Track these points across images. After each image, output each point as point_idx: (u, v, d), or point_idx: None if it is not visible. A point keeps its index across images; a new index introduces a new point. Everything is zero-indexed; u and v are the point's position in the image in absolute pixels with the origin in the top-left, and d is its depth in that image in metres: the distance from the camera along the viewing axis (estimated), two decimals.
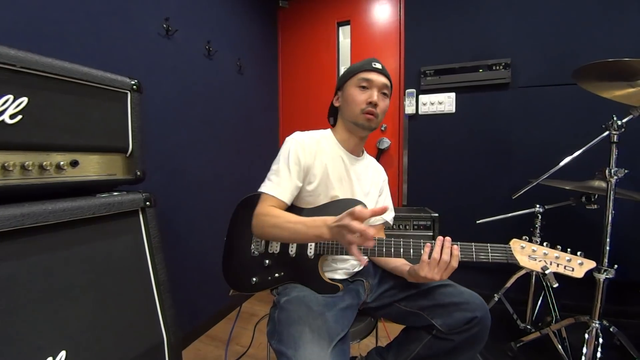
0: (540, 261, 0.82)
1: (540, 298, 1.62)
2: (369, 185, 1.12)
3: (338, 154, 1.06)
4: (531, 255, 0.83)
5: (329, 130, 1.12)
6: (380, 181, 1.17)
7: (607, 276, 1.18)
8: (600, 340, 1.19)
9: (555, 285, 0.83)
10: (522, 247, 0.83)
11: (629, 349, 1.24)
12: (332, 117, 1.17)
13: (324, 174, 1.01)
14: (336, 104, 1.10)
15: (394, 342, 1.02)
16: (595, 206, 1.38)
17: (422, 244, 0.86)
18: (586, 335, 1.20)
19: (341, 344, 0.76)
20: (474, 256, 0.84)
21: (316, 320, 0.78)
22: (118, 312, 0.80)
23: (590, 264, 0.81)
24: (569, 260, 0.82)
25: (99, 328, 0.75)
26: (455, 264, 0.82)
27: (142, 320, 0.86)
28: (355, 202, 0.99)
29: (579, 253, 0.82)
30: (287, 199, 0.97)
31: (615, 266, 1.18)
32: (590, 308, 1.22)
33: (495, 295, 1.63)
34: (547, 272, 0.81)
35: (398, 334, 1.03)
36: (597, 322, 1.20)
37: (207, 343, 1.68)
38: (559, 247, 0.84)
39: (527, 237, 0.85)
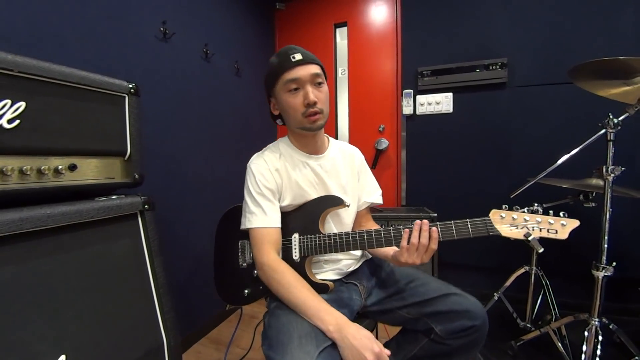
0: (522, 228, 0.80)
1: (540, 296, 1.62)
2: (344, 176, 1.05)
3: (301, 161, 1.01)
4: (512, 223, 0.80)
5: (286, 138, 1.05)
6: (355, 166, 1.10)
7: (606, 274, 1.18)
8: (600, 337, 1.19)
9: (541, 250, 0.79)
10: (502, 217, 0.81)
11: (628, 346, 1.24)
12: (279, 119, 1.05)
13: (296, 186, 0.99)
14: (275, 112, 1.02)
15: (392, 341, 1.02)
16: (593, 204, 1.38)
17: (401, 229, 0.86)
18: (586, 333, 1.20)
19: (330, 349, 0.74)
20: (455, 234, 0.83)
21: (304, 325, 0.77)
22: (118, 315, 0.80)
23: (574, 223, 0.78)
24: (552, 223, 0.79)
25: (99, 332, 0.75)
26: (434, 246, 0.82)
27: (142, 324, 0.86)
28: (332, 198, 0.98)
29: (561, 214, 0.80)
30: (278, 222, 0.95)
31: (614, 263, 1.19)
32: (589, 306, 1.22)
33: (494, 294, 1.63)
34: (530, 238, 0.78)
35: (396, 333, 1.03)
36: (597, 319, 1.20)
37: (207, 346, 1.68)
38: (539, 210, 0.81)
39: (507, 206, 0.82)
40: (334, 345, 0.75)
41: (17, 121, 0.67)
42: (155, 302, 0.90)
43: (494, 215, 0.82)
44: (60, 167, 0.74)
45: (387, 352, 0.73)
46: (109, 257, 0.81)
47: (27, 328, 0.63)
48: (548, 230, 0.79)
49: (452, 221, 0.84)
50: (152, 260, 0.91)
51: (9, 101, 0.65)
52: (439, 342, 0.88)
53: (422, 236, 0.82)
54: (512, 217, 0.81)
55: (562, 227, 0.79)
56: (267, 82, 0.98)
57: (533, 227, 0.80)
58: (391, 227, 0.89)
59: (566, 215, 0.79)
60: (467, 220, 0.83)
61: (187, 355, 1.58)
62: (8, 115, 0.65)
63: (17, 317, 0.62)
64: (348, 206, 1.00)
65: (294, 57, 0.91)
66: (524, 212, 0.81)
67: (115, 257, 0.82)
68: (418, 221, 0.84)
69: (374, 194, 1.12)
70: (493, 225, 0.82)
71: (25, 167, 0.68)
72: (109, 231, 0.82)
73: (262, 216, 0.92)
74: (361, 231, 0.91)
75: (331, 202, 0.98)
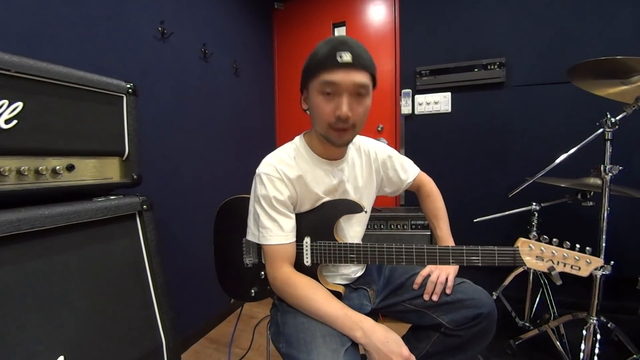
0: (547, 261, 0.80)
1: (538, 295, 1.62)
2: (362, 179, 0.99)
3: (320, 167, 0.91)
4: (539, 255, 0.80)
5: (301, 140, 0.94)
6: (372, 165, 1.02)
7: (604, 272, 1.18)
8: (598, 336, 1.20)
9: (559, 283, 0.79)
10: (531, 248, 0.80)
11: (626, 344, 1.25)
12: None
13: (315, 196, 0.91)
14: (303, 107, 0.90)
15: (402, 339, 1.01)
16: (591, 203, 1.38)
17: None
18: (584, 332, 1.20)
19: (353, 348, 0.74)
20: (480, 261, 0.82)
21: (324, 325, 0.77)
22: (116, 316, 0.80)
23: (598, 262, 0.78)
24: (577, 260, 0.79)
25: (97, 332, 0.75)
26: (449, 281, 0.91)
27: (141, 324, 0.86)
28: (350, 203, 0.93)
29: (587, 249, 0.80)
30: (294, 237, 0.88)
31: (612, 262, 1.19)
32: (587, 304, 1.22)
33: (493, 293, 1.63)
34: (553, 272, 0.78)
35: (406, 332, 1.02)
36: (595, 318, 1.21)
37: (206, 346, 1.67)
38: (567, 242, 0.80)
39: (536, 235, 0.84)
40: (355, 344, 0.75)
41: (15, 121, 0.66)
42: (154, 302, 0.90)
43: (523, 245, 0.80)
44: (58, 167, 0.74)
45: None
46: (107, 257, 0.80)
47: (25, 329, 0.62)
48: (572, 267, 0.79)
49: (480, 247, 0.81)
50: (150, 261, 0.91)
51: (6, 101, 0.65)
52: (450, 335, 0.88)
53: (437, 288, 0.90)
54: (541, 249, 0.80)
55: (587, 264, 0.79)
56: (304, 73, 0.85)
57: (558, 262, 0.79)
58: (413, 246, 0.86)
59: (590, 252, 0.79)
60: (495, 248, 0.81)
61: (186, 355, 1.58)
62: (5, 116, 0.65)
63: (16, 318, 0.61)
64: (366, 212, 0.98)
65: (340, 57, 0.75)
66: (551, 244, 0.80)
67: (113, 257, 0.82)
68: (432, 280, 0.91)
69: (410, 170, 1.08)
70: (520, 257, 0.80)
71: (22, 167, 0.68)
72: (107, 232, 0.82)
73: (277, 231, 0.85)
74: (381, 245, 0.88)
75: (348, 208, 0.92)
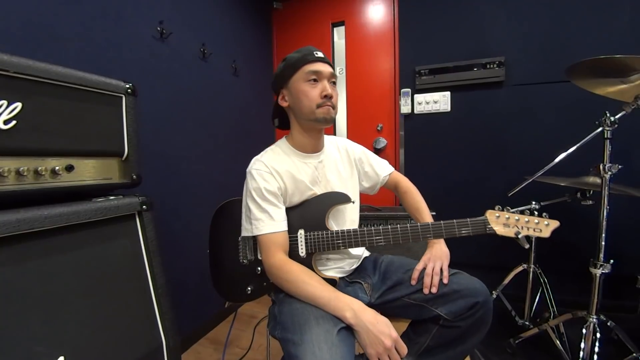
0: (513, 227, 0.91)
1: (538, 294, 1.63)
2: (344, 171, 1.09)
3: (304, 162, 1.02)
4: (505, 223, 0.91)
5: (284, 141, 1.07)
6: (351, 158, 1.13)
7: (604, 271, 1.19)
8: (598, 335, 1.20)
9: (526, 246, 0.91)
10: (497, 217, 0.91)
11: (626, 343, 1.25)
12: (277, 119, 1.11)
13: (303, 186, 1.00)
14: (283, 104, 1.02)
15: (403, 336, 1.02)
16: (591, 202, 1.39)
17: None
18: (584, 330, 1.21)
19: (346, 329, 0.76)
20: (457, 231, 0.91)
21: (318, 309, 0.80)
22: (116, 316, 0.80)
23: (555, 224, 0.90)
24: (537, 223, 0.90)
25: (98, 333, 0.75)
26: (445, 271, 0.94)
27: (141, 324, 0.86)
28: (339, 195, 1.00)
29: (544, 214, 0.91)
30: (285, 226, 0.95)
31: (611, 261, 1.19)
32: (587, 303, 1.23)
33: (493, 292, 1.64)
34: (519, 236, 0.89)
35: (405, 328, 1.03)
36: (595, 317, 1.21)
37: (207, 346, 1.67)
38: (527, 211, 0.94)
39: (500, 207, 0.92)
40: (348, 327, 0.77)
41: (14, 122, 0.66)
42: (154, 302, 0.90)
43: (490, 215, 0.92)
44: (57, 167, 0.74)
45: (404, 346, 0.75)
46: (107, 258, 0.80)
47: (25, 329, 0.62)
48: (534, 230, 0.91)
49: (455, 220, 0.92)
50: (150, 261, 0.90)
51: (5, 102, 0.65)
52: (449, 327, 0.90)
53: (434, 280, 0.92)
54: (506, 217, 0.91)
55: (546, 226, 0.90)
56: (284, 73, 0.99)
57: (522, 227, 0.91)
58: (398, 225, 0.94)
59: (547, 216, 0.91)
60: (468, 220, 0.92)
61: (186, 355, 1.58)
62: (4, 116, 0.65)
63: (16, 319, 0.61)
64: (353, 203, 1.03)
65: (317, 53, 0.97)
66: (513, 212, 0.92)
67: (113, 258, 0.82)
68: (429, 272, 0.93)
69: (385, 166, 1.19)
70: (490, 225, 0.91)
71: (22, 168, 0.67)
72: (106, 232, 0.82)
73: (269, 221, 0.92)
74: (369, 229, 0.94)
75: (337, 199, 0.99)
